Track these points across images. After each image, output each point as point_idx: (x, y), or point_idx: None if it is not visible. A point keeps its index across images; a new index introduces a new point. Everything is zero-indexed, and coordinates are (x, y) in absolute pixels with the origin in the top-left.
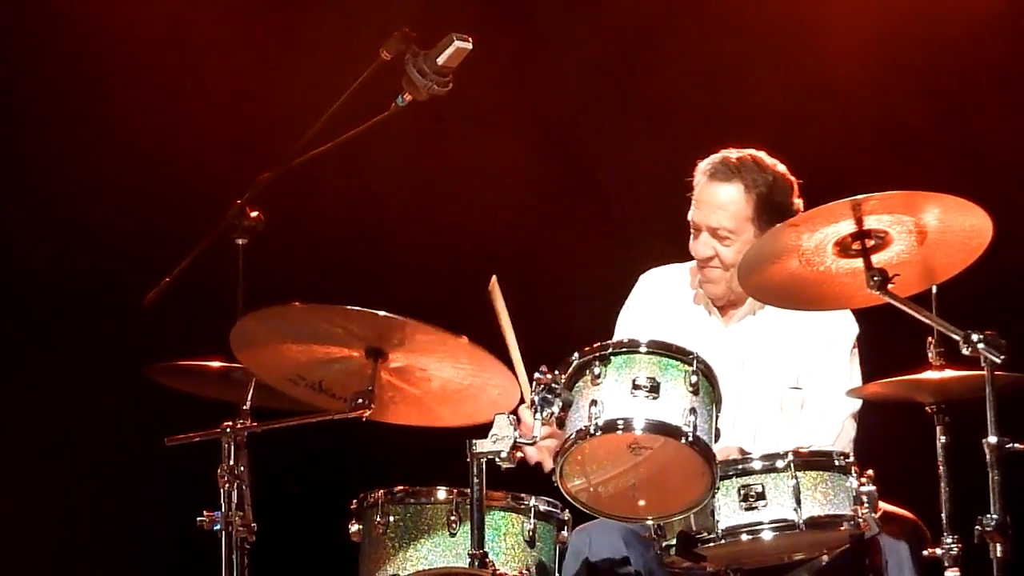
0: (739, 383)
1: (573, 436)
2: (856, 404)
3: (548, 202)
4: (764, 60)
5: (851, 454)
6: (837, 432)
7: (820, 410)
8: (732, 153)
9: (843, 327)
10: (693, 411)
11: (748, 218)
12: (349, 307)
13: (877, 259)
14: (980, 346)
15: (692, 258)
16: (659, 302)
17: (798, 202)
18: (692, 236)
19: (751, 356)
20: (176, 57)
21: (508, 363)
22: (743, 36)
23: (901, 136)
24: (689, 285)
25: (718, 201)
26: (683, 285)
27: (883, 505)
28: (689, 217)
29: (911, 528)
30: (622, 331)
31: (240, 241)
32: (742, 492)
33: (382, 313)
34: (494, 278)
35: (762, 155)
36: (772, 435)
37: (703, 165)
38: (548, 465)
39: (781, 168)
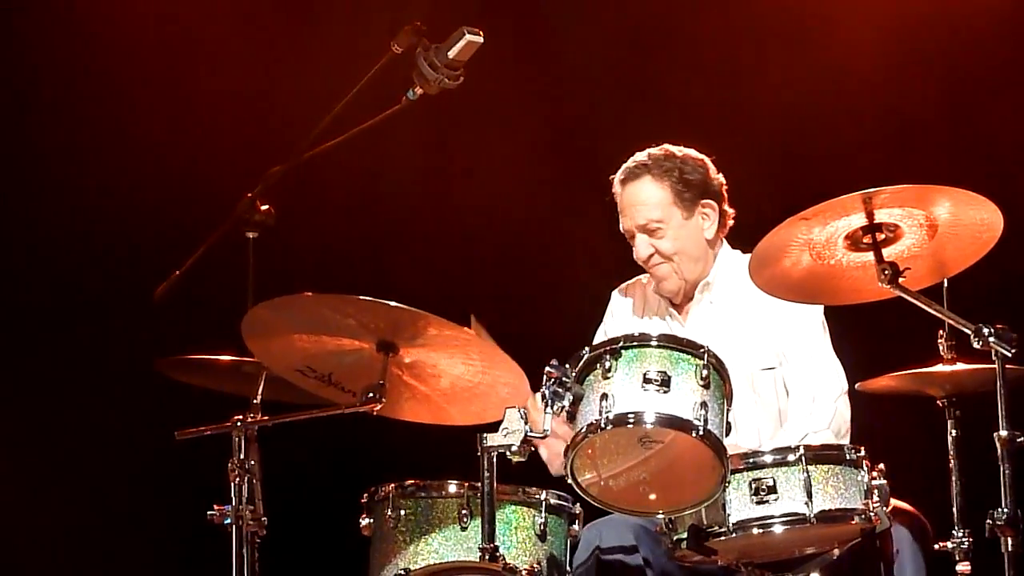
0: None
1: (584, 430)
2: (844, 383)
3: (558, 196)
4: (774, 55)
5: (860, 447)
6: (831, 415)
7: (808, 393)
8: (638, 155)
9: (806, 306)
10: (704, 405)
11: (670, 203)
12: (361, 297)
13: (888, 253)
14: (991, 339)
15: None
16: (625, 315)
17: (717, 176)
18: (632, 246)
19: (715, 345)
20: (187, 51)
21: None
22: (755, 30)
23: (912, 130)
24: (646, 294)
25: (637, 199)
26: (642, 295)
27: (895, 500)
28: (621, 228)
29: (915, 522)
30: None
31: (250, 235)
32: (753, 486)
33: (394, 304)
34: (473, 317)
35: (667, 146)
36: (751, 420)
37: (615, 177)
38: (555, 469)
39: (688, 151)
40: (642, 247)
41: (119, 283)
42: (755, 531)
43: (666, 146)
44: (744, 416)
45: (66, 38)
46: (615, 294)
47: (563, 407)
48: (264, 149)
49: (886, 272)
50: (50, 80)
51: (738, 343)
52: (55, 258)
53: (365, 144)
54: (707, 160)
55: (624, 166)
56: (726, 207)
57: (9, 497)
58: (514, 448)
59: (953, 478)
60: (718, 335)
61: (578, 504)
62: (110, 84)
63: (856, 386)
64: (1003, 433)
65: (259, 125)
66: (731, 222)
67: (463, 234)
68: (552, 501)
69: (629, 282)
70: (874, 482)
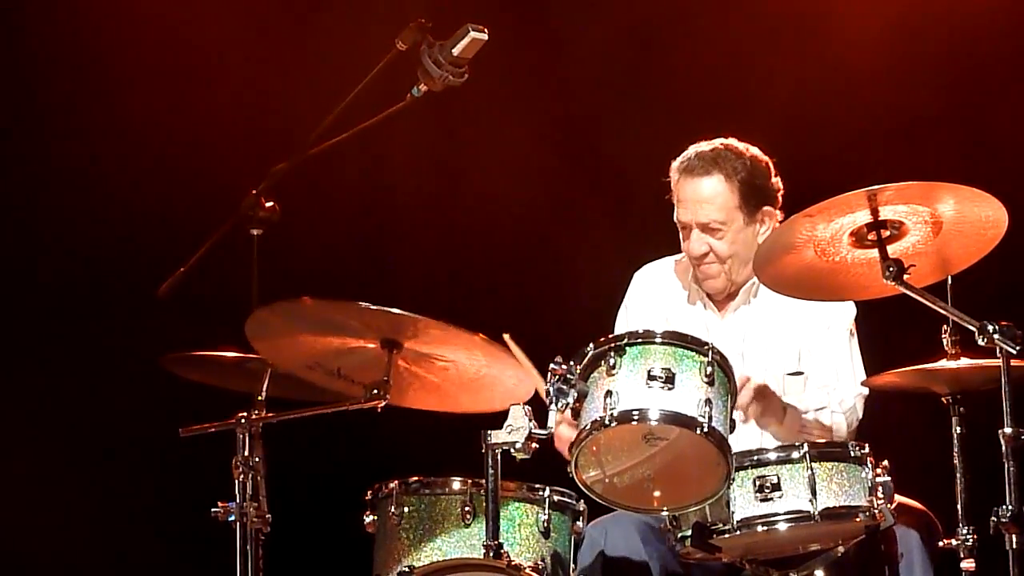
0: (742, 375)
1: (588, 427)
2: (862, 386)
3: (562, 195)
4: (779, 51)
5: (865, 444)
6: (849, 405)
7: (830, 394)
8: (704, 146)
9: (840, 309)
10: (708, 402)
11: (735, 206)
12: (361, 304)
13: (892, 249)
14: (996, 336)
15: (680, 251)
16: (654, 299)
17: (776, 180)
18: (682, 236)
19: (750, 346)
20: (192, 47)
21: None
22: (757, 26)
23: (917, 127)
24: (682, 279)
25: (703, 195)
26: (676, 280)
27: (899, 497)
28: (675, 218)
29: (924, 520)
30: (620, 330)
31: (255, 232)
32: (757, 483)
33: (395, 311)
34: (507, 336)
35: (733, 141)
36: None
37: (677, 163)
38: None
39: (754, 150)
40: (697, 244)
41: (123, 280)
42: (759, 528)
43: (733, 142)
44: None
45: (75, 37)
46: (638, 277)
47: (567, 404)
48: (269, 145)
49: (891, 269)
50: (57, 77)
51: (771, 347)
52: (60, 255)
53: (370, 140)
54: (771, 163)
55: (689, 154)
56: (779, 213)
57: (15, 492)
58: (518, 446)
59: (957, 475)
60: (754, 336)
61: (582, 501)
62: (115, 81)
63: (860, 382)
64: (1008, 430)
65: (264, 121)
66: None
67: (467, 229)
68: (556, 498)
69: (655, 264)
70: (878, 479)
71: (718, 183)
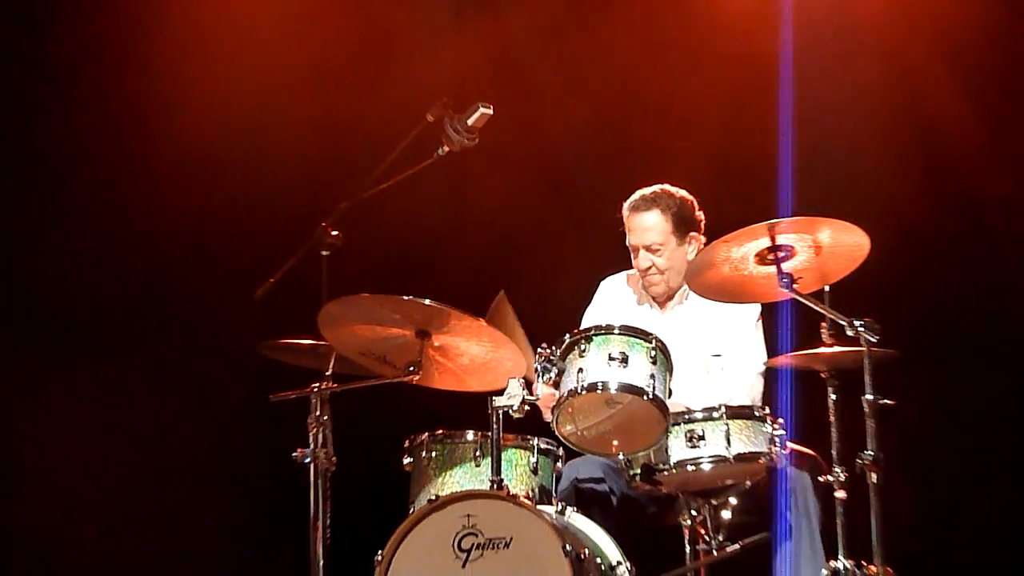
0: (677, 356)
1: (565, 394)
2: (761, 364)
3: (546, 223)
4: (704, 126)
5: (766, 406)
6: (750, 384)
7: (736, 369)
8: (646, 189)
9: (748, 308)
10: (653, 376)
11: (670, 232)
12: (404, 297)
13: (786, 266)
14: (860, 329)
15: (632, 266)
16: (614, 301)
17: (700, 214)
18: (632, 255)
19: (683, 335)
20: (277, 104)
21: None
22: (688, 106)
23: (803, 172)
24: (633, 287)
25: (646, 225)
26: (629, 287)
27: (791, 444)
28: (627, 243)
29: (812, 461)
30: (588, 323)
31: (324, 253)
32: (688, 435)
33: (427, 302)
34: (502, 291)
35: (667, 186)
36: (703, 392)
37: (627, 203)
38: (547, 417)
39: (683, 192)
40: (643, 260)
41: (229, 285)
42: (689, 468)
43: (667, 186)
44: (699, 389)
45: (177, 80)
46: (604, 284)
47: (551, 377)
48: (334, 182)
49: (784, 280)
50: (178, 117)
51: (698, 335)
52: (188, 269)
53: (406, 184)
54: (695, 201)
55: (635, 197)
56: (702, 237)
57: (143, 446)
58: (515, 408)
59: (833, 430)
60: (686, 328)
61: (561, 448)
62: (233, 134)
63: (762, 362)
64: (868, 397)
65: (328, 166)
66: (702, 247)
67: (480, 245)
68: (542, 445)
69: (616, 275)
70: (775, 433)
71: (657, 216)
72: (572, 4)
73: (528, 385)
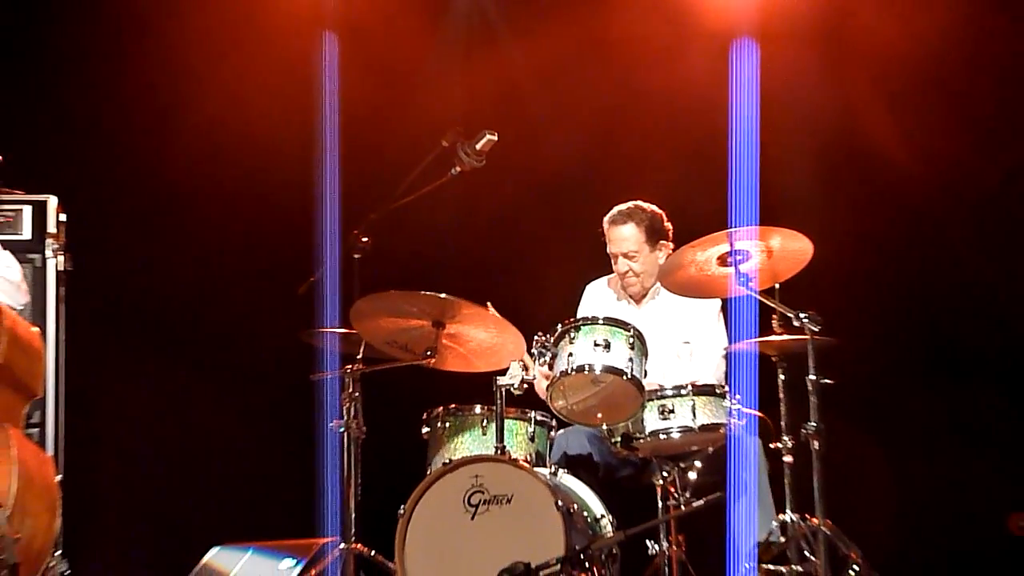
0: (651, 343)
1: (558, 375)
2: (723, 349)
3: (539, 232)
4: (677, 158)
5: (727, 385)
6: (715, 365)
7: (702, 354)
8: (622, 205)
9: (712, 303)
10: (631, 360)
11: (644, 241)
12: (423, 292)
13: (743, 267)
14: (805, 320)
15: (613, 271)
16: (598, 299)
17: (668, 224)
18: (612, 261)
19: (656, 326)
20: (321, 136)
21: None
22: (665, 137)
23: (761, 188)
24: (614, 287)
25: (623, 236)
26: (610, 288)
27: (747, 410)
28: (608, 251)
29: (763, 427)
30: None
31: (356, 256)
32: (660, 409)
33: (443, 295)
34: (489, 304)
35: (640, 202)
36: (674, 373)
37: (607, 217)
38: (542, 395)
39: (654, 206)
40: (622, 265)
41: (276, 282)
42: (661, 437)
43: (640, 202)
44: (671, 371)
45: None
46: (589, 287)
47: (546, 360)
48: (365, 196)
49: (741, 279)
50: (226, 143)
51: (670, 326)
52: (240, 273)
53: (424, 198)
54: (664, 214)
55: (613, 211)
56: (671, 244)
57: (204, 419)
58: (515, 386)
59: (781, 405)
60: (659, 320)
61: (554, 420)
62: (288, 161)
63: (723, 347)
64: (812, 377)
65: (359, 181)
66: (671, 252)
67: (484, 251)
68: (538, 418)
69: (598, 280)
70: (733, 407)
71: (632, 228)
72: (564, 46)
73: (526, 367)
